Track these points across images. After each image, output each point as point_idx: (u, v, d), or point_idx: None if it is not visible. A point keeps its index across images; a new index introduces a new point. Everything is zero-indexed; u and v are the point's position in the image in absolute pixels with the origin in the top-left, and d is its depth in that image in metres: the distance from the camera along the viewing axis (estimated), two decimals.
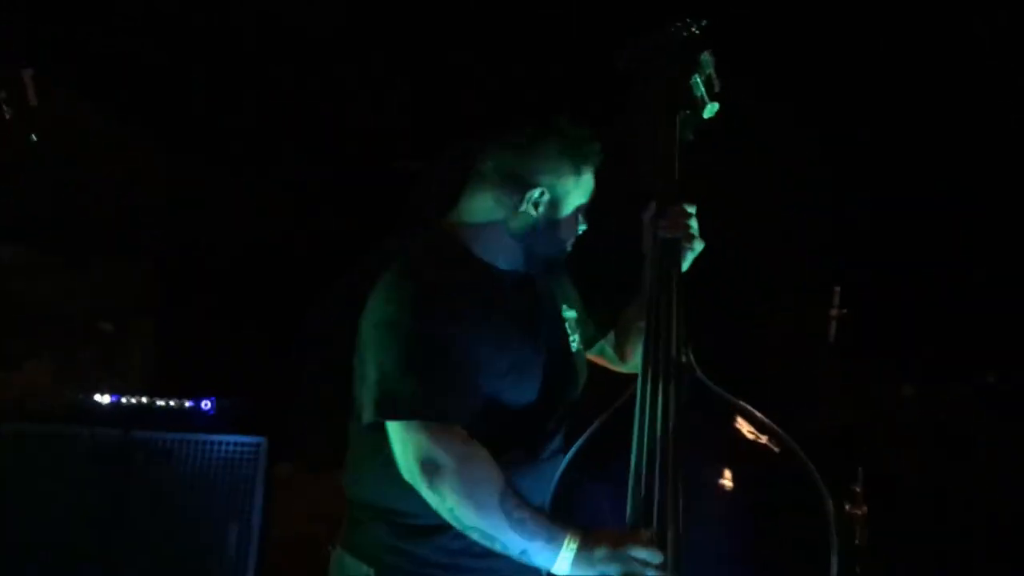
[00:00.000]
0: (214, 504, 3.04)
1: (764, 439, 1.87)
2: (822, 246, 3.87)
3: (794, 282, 3.84)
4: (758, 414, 1.89)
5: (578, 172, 2.04)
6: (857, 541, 3.39)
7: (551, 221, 2.04)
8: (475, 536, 1.88)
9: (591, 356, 2.27)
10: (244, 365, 3.34)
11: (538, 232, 2.04)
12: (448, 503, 1.87)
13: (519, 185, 2.02)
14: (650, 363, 1.93)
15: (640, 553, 1.78)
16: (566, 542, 1.82)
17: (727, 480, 1.87)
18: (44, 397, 3.18)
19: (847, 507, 3.44)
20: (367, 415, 1.95)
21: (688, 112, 2.05)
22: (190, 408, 3.16)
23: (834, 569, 1.78)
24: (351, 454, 2.10)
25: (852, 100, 3.69)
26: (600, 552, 1.80)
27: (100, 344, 3.53)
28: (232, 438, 3.06)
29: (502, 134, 2.05)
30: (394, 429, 1.92)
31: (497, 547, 1.86)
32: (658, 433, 1.85)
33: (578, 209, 2.07)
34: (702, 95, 2.04)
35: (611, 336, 2.28)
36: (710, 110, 2.07)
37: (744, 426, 1.89)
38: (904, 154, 3.72)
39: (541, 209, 2.03)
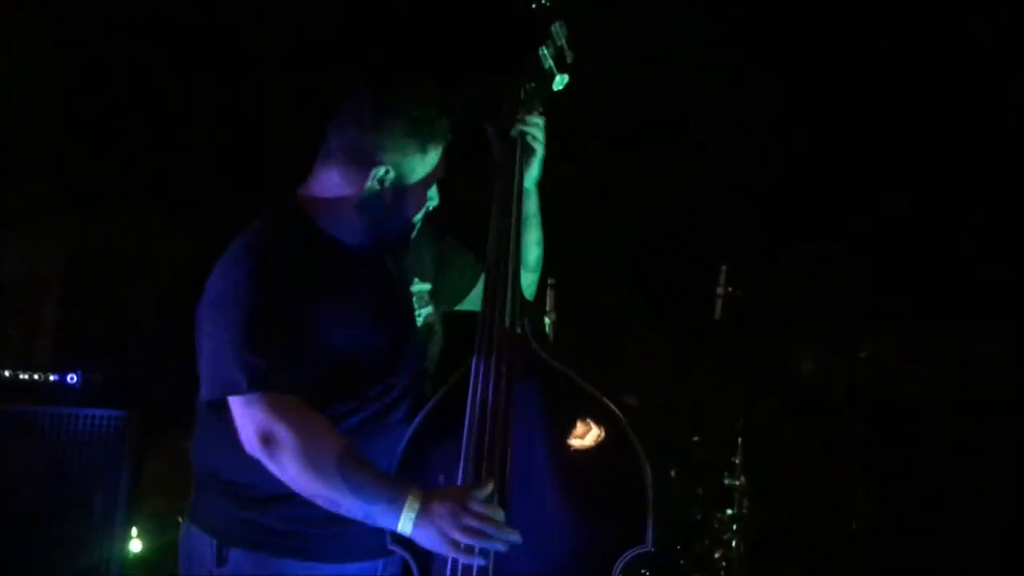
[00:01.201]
0: (81, 478, 2.98)
1: (591, 408, 1.93)
2: (711, 225, 3.92)
3: (685, 263, 3.89)
4: (587, 385, 1.94)
5: (424, 150, 2.03)
6: (734, 511, 3.47)
7: (397, 198, 2.03)
8: (320, 502, 1.89)
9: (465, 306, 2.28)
10: (116, 339, 3.29)
11: (384, 208, 2.03)
12: (289, 472, 1.89)
13: (364, 163, 2.00)
14: (484, 333, 1.95)
15: (477, 507, 1.81)
16: (407, 503, 1.84)
17: (555, 447, 1.93)
18: None
19: (725, 479, 3.53)
20: (205, 391, 1.96)
21: (533, 84, 2.05)
22: (55, 381, 3.09)
23: (649, 531, 1.86)
24: (196, 427, 2.10)
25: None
26: (440, 509, 1.82)
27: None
28: (99, 411, 3.01)
29: (347, 108, 2.02)
30: (234, 404, 1.93)
31: (342, 511, 1.88)
32: (489, 401, 1.89)
33: (425, 185, 2.06)
34: (550, 67, 2.03)
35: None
36: (559, 82, 2.07)
37: (573, 395, 1.94)
38: (789, 131, 3.78)
39: (387, 186, 2.02)
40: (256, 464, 1.92)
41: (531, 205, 2.16)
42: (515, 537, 1.82)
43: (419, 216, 2.09)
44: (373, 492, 1.85)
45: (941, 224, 3.72)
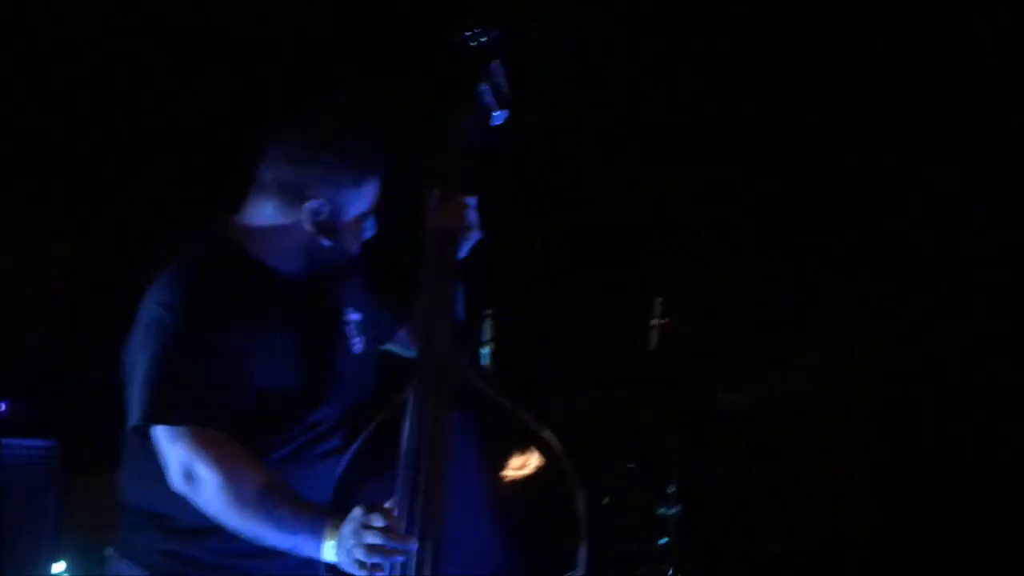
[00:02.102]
0: (6, 509, 2.92)
1: (525, 437, 1.96)
2: (644, 253, 3.96)
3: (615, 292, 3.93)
4: (521, 414, 1.97)
5: (358, 184, 2.02)
6: (669, 540, 3.49)
7: (333, 231, 2.03)
8: (246, 536, 1.89)
9: (393, 348, 2.27)
10: (39, 368, 3.22)
11: (320, 242, 2.02)
12: (212, 509, 1.88)
13: (297, 197, 1.99)
14: (420, 363, 1.97)
15: (376, 522, 1.80)
16: (327, 531, 1.83)
17: (489, 475, 1.95)
18: None
19: (660, 510, 3.56)
20: (131, 419, 1.93)
21: (471, 116, 2.07)
22: None
23: (581, 556, 1.89)
24: (124, 456, 2.07)
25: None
26: (344, 531, 1.82)
27: None
28: (25, 442, 2.95)
29: (279, 137, 2.01)
30: (156, 437, 1.91)
31: (268, 543, 1.88)
32: (424, 431, 1.90)
33: (362, 218, 2.06)
34: (488, 103, 2.07)
35: (402, 332, 2.27)
36: (499, 117, 2.09)
37: (507, 424, 1.96)
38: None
39: (322, 220, 2.01)
40: (183, 496, 1.91)
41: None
42: (413, 544, 1.82)
43: (356, 247, 2.09)
44: (295, 524, 1.85)
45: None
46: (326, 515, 1.86)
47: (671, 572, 3.49)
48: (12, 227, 3.42)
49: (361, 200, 2.03)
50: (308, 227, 2.00)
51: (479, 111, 2.08)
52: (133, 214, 3.42)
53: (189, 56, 3.51)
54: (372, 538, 1.79)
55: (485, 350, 3.45)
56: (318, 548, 1.84)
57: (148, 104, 3.52)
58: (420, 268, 2.07)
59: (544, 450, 1.94)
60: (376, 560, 1.79)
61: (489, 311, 3.49)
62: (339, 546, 1.82)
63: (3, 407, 3.05)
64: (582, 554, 1.89)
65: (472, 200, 2.10)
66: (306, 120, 2.03)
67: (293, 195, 1.99)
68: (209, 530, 1.92)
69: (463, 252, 2.12)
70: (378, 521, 1.79)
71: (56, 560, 3.00)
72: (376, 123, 2.06)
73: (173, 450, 1.89)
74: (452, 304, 2.03)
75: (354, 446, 2.00)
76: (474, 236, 2.13)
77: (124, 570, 2.02)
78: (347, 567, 1.83)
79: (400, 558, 1.82)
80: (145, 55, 3.50)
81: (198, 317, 1.92)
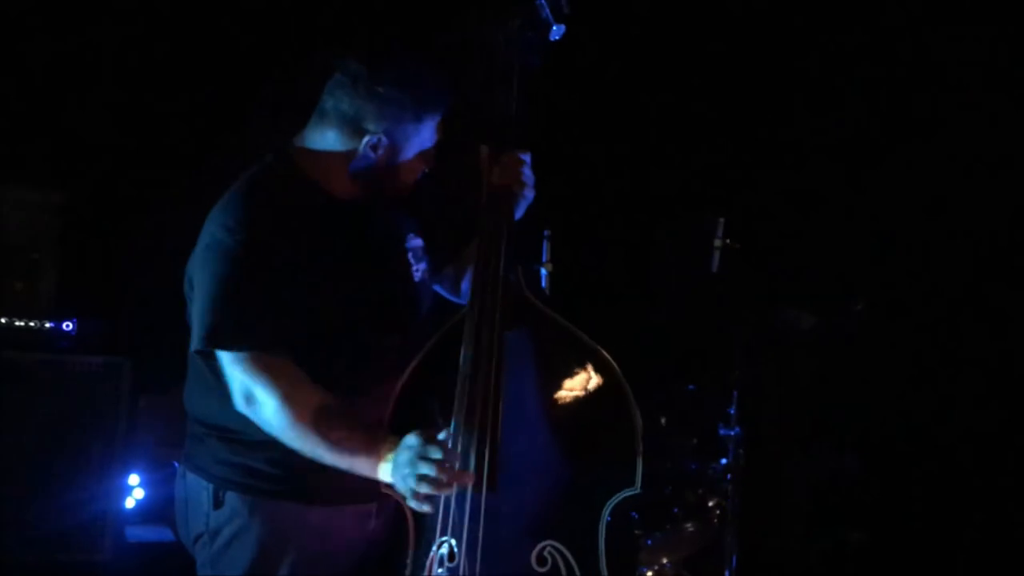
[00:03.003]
0: (78, 424, 3.00)
1: (583, 355, 1.94)
2: (709, 177, 3.90)
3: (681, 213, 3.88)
4: (579, 332, 1.95)
5: (419, 119, 2.01)
6: (728, 461, 3.49)
7: (391, 165, 2.02)
8: (305, 455, 1.92)
9: (439, 288, 2.27)
10: (108, 286, 3.29)
11: (377, 175, 2.02)
12: (272, 430, 1.92)
13: (357, 129, 1.99)
14: (478, 282, 1.96)
15: (434, 454, 1.81)
16: (382, 452, 1.86)
17: (547, 392, 1.95)
18: None
19: (720, 430, 3.54)
20: (194, 342, 1.96)
21: (531, 33, 2.02)
22: (52, 328, 3.11)
23: (639, 474, 1.89)
24: (189, 373, 2.11)
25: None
26: (400, 459, 1.84)
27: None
28: (94, 359, 3.02)
29: (342, 72, 2.00)
30: (221, 359, 1.94)
31: (326, 463, 1.91)
32: (482, 348, 1.90)
33: (420, 154, 2.05)
34: (547, 16, 2.01)
35: (449, 270, 2.27)
36: (556, 32, 2.04)
37: (564, 342, 1.95)
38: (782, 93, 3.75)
39: (380, 153, 2.01)
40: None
41: None
42: (468, 480, 1.84)
43: (413, 182, 2.08)
44: (351, 447, 1.89)
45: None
46: (381, 438, 1.88)
47: (729, 492, 3.49)
48: (80, 156, 3.48)
49: (420, 137, 2.03)
50: (367, 159, 2.00)
51: (538, 25, 2.02)
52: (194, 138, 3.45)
53: None
54: (427, 469, 1.80)
55: (544, 271, 3.43)
56: (374, 469, 1.87)
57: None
58: (475, 221, 2.05)
59: (601, 369, 1.93)
60: (427, 491, 1.81)
61: (548, 232, 3.47)
62: (395, 471, 1.84)
63: (73, 325, 3.12)
64: (639, 472, 1.89)
65: (526, 157, 2.07)
66: (369, 54, 2.01)
67: (353, 127, 1.99)
68: (269, 443, 1.95)
69: (519, 212, 2.09)
70: (435, 453, 1.81)
71: (129, 473, 3.09)
72: (438, 61, 2.02)
73: (234, 373, 1.92)
74: (512, 224, 2.01)
75: (412, 364, 2.00)
76: (528, 196, 2.08)
77: (191, 482, 2.07)
78: (402, 490, 1.85)
79: (449, 492, 1.83)
80: None
81: (258, 240, 1.93)
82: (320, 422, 1.88)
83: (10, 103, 3.41)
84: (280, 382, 1.89)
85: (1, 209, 3.34)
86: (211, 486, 2.03)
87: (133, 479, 3.16)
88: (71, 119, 3.49)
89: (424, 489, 1.80)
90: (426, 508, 1.84)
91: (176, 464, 2.16)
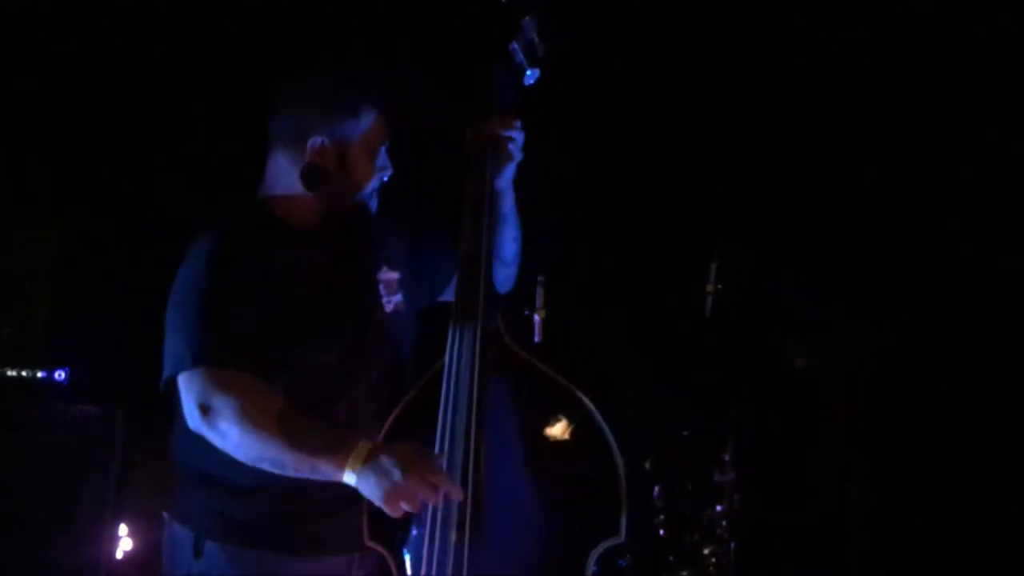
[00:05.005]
0: (69, 474, 2.98)
1: (564, 402, 1.94)
2: (699, 221, 3.91)
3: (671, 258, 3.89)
4: (560, 378, 1.95)
5: (355, 113, 2.04)
6: (724, 507, 3.46)
7: (342, 168, 2.04)
8: (267, 466, 1.89)
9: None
10: (100, 335, 3.29)
11: (331, 182, 2.03)
12: (231, 439, 1.88)
13: (300, 139, 2.02)
14: (456, 328, 1.95)
15: (426, 465, 1.80)
16: (354, 452, 1.83)
17: (528, 441, 1.94)
18: None
19: (715, 476, 3.52)
20: (164, 373, 1.98)
21: (505, 76, 2.04)
22: (44, 378, 3.11)
23: (623, 523, 1.87)
24: (176, 420, 2.09)
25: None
26: (385, 461, 1.81)
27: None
28: (86, 408, 3.01)
29: (275, 96, 2.05)
30: (180, 383, 1.94)
31: (290, 472, 1.88)
32: (462, 396, 1.89)
33: (368, 151, 2.06)
34: (520, 62, 2.03)
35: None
36: (532, 76, 2.06)
37: (545, 389, 1.94)
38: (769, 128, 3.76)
39: (328, 157, 2.03)
40: (228, 456, 1.92)
41: (507, 203, 2.15)
42: (456, 494, 1.82)
43: (372, 186, 2.09)
44: (316, 443, 1.85)
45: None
46: (352, 437, 1.86)
47: (725, 538, 3.46)
48: (65, 195, 3.49)
49: (362, 129, 2.04)
50: (317, 167, 2.01)
51: (511, 70, 2.04)
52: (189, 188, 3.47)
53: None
54: (402, 478, 1.78)
55: (537, 317, 3.44)
56: (340, 468, 1.83)
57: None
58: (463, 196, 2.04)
59: (583, 416, 1.92)
60: (409, 485, 1.78)
61: (542, 277, 3.48)
62: (370, 470, 1.81)
63: (65, 374, 3.12)
64: (623, 521, 1.88)
65: (516, 122, 2.05)
66: (294, 69, 2.07)
67: (297, 138, 2.02)
68: (255, 491, 1.95)
69: (506, 173, 2.07)
70: (427, 465, 1.80)
71: (117, 524, 3.07)
72: (367, 57, 2.05)
73: (191, 389, 1.91)
74: (489, 268, 2.00)
75: (395, 412, 1.98)
76: (516, 155, 2.06)
77: (177, 532, 2.06)
78: (366, 492, 1.82)
79: (436, 504, 1.81)
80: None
81: (226, 273, 1.95)
82: (282, 419, 1.85)
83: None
84: (237, 390, 1.88)
85: None
86: (192, 535, 2.02)
87: (122, 529, 3.15)
88: (66, 164, 3.52)
89: (396, 500, 1.79)
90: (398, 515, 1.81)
91: (165, 514, 2.15)
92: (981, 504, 3.62)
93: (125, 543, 3.21)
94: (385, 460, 1.81)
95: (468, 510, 1.84)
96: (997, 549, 3.58)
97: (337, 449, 1.84)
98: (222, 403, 1.87)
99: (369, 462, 1.82)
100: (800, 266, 3.80)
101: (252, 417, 1.86)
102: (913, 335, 3.72)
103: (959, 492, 3.65)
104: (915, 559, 3.69)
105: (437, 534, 1.86)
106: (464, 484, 1.85)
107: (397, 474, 1.79)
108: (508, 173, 2.09)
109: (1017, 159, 3.54)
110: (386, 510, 1.81)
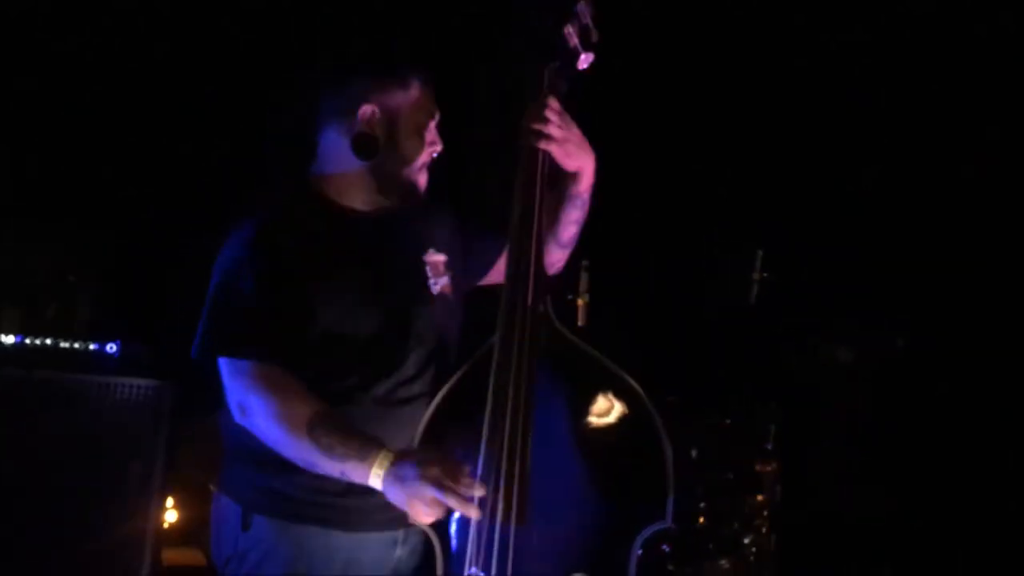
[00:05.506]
0: (118, 446, 3.03)
1: (613, 386, 1.94)
2: (744, 210, 3.89)
3: (717, 245, 3.87)
4: (609, 363, 1.95)
5: (404, 84, 2.06)
6: (765, 496, 3.45)
7: (392, 140, 2.06)
8: (300, 464, 1.95)
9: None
10: (152, 308, 3.34)
11: (382, 153, 2.06)
12: (268, 439, 1.96)
13: (351, 111, 2.05)
14: (506, 311, 1.95)
15: (447, 478, 1.82)
16: (377, 460, 1.88)
17: (576, 425, 1.94)
18: None
19: (757, 465, 3.51)
20: (192, 350, 2.02)
21: (558, 64, 2.02)
22: (95, 350, 3.15)
23: (669, 508, 1.88)
24: (223, 397, 2.13)
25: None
26: (408, 471, 1.85)
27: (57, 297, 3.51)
28: (136, 381, 3.05)
29: (323, 80, 2.09)
30: (221, 368, 1.99)
31: (320, 471, 1.93)
32: (510, 380, 1.89)
33: (417, 124, 2.08)
34: (575, 46, 2.01)
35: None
36: (585, 60, 2.04)
37: (594, 373, 1.95)
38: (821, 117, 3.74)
39: (378, 128, 2.05)
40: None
41: (577, 187, 2.13)
42: (474, 513, 1.83)
43: (422, 160, 2.10)
44: (343, 452, 1.90)
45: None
46: (377, 445, 1.90)
47: (765, 528, 3.46)
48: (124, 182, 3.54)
49: (410, 102, 2.06)
50: (367, 137, 2.03)
51: (565, 55, 2.02)
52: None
53: None
54: (435, 491, 1.81)
55: (580, 301, 3.44)
56: (366, 475, 1.88)
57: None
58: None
59: (632, 401, 1.92)
60: (434, 492, 1.81)
61: (586, 262, 3.48)
62: (392, 479, 1.85)
63: (116, 346, 3.17)
64: (669, 506, 1.88)
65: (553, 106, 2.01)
66: (339, 53, 2.13)
67: (347, 111, 2.05)
68: (298, 466, 1.96)
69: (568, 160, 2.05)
70: (448, 477, 1.82)
71: (165, 496, 3.11)
72: (413, 33, 2.07)
73: (231, 384, 1.97)
74: (540, 251, 1.99)
75: (440, 395, 1.99)
76: (556, 135, 1.99)
77: (224, 506, 2.10)
78: (392, 498, 1.86)
79: (460, 510, 1.83)
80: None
81: (269, 256, 1.97)
82: (312, 429, 1.90)
83: (50, 132, 3.49)
84: (274, 391, 1.93)
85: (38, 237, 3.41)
86: (240, 508, 2.05)
87: (168, 501, 3.19)
88: (110, 147, 3.57)
89: (422, 506, 1.82)
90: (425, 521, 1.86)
91: (212, 488, 2.18)
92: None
93: (171, 515, 3.26)
94: (406, 469, 1.85)
95: (514, 492, 1.84)
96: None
97: (363, 458, 1.89)
98: (257, 404, 1.94)
99: (391, 470, 1.86)
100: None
101: (283, 425, 1.92)
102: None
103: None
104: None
105: (484, 514, 1.86)
106: (511, 465, 1.86)
107: (417, 484, 1.83)
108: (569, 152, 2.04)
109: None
110: (410, 517, 1.86)
